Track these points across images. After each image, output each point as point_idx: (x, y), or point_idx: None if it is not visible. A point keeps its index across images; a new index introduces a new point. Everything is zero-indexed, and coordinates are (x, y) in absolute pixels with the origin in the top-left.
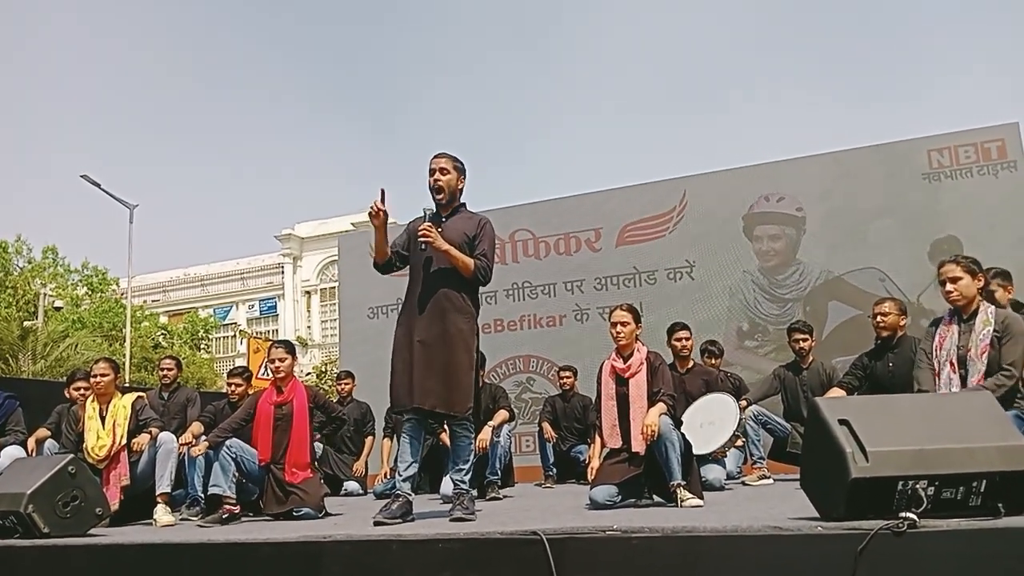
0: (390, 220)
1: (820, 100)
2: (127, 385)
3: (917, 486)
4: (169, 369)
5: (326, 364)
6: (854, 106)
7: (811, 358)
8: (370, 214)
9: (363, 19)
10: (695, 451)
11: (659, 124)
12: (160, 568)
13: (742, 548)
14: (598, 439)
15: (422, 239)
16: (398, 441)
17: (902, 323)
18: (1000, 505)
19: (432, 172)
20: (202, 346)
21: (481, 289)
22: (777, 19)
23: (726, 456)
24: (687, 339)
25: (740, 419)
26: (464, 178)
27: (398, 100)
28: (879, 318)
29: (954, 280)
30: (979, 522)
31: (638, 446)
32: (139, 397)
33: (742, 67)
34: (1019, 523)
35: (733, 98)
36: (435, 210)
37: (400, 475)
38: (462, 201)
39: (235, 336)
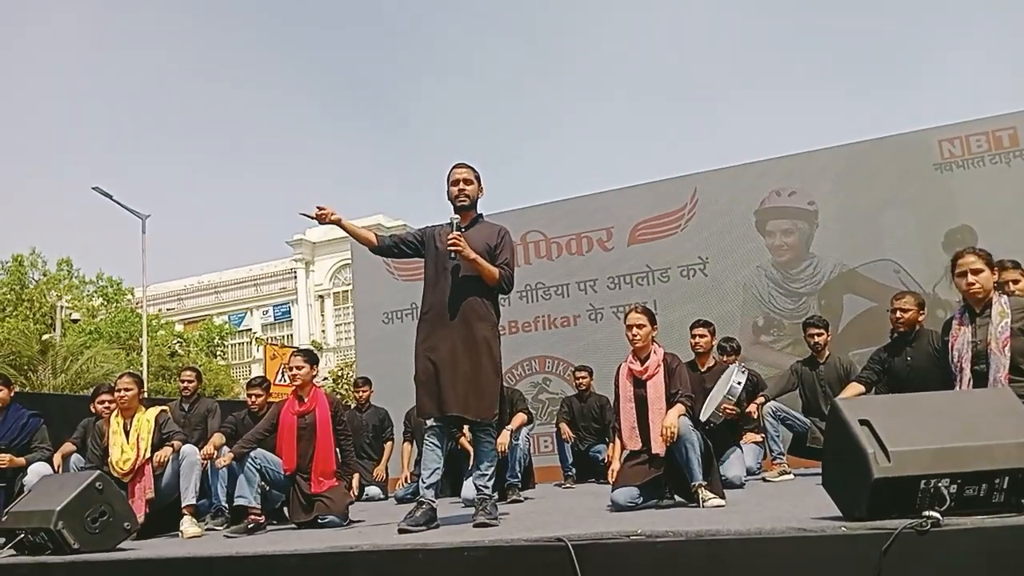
0: (398, 222)
1: (829, 94)
2: (148, 397)
3: (940, 484)
4: (190, 381)
5: (342, 368)
6: (862, 99)
7: (827, 352)
8: (319, 219)
9: (370, 23)
10: (701, 417)
11: (668, 120)
12: None
13: (766, 549)
14: (617, 441)
15: (451, 248)
16: (418, 445)
17: (920, 317)
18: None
19: (456, 183)
20: (218, 353)
21: None
22: (785, 13)
23: (721, 418)
24: (702, 336)
25: (741, 376)
26: (482, 188)
27: (407, 103)
28: (899, 314)
29: (976, 272)
30: (1003, 519)
31: (658, 448)
32: (162, 411)
33: (750, 62)
34: None
35: (741, 93)
36: (460, 219)
37: (424, 482)
38: (479, 211)
39: (251, 342)
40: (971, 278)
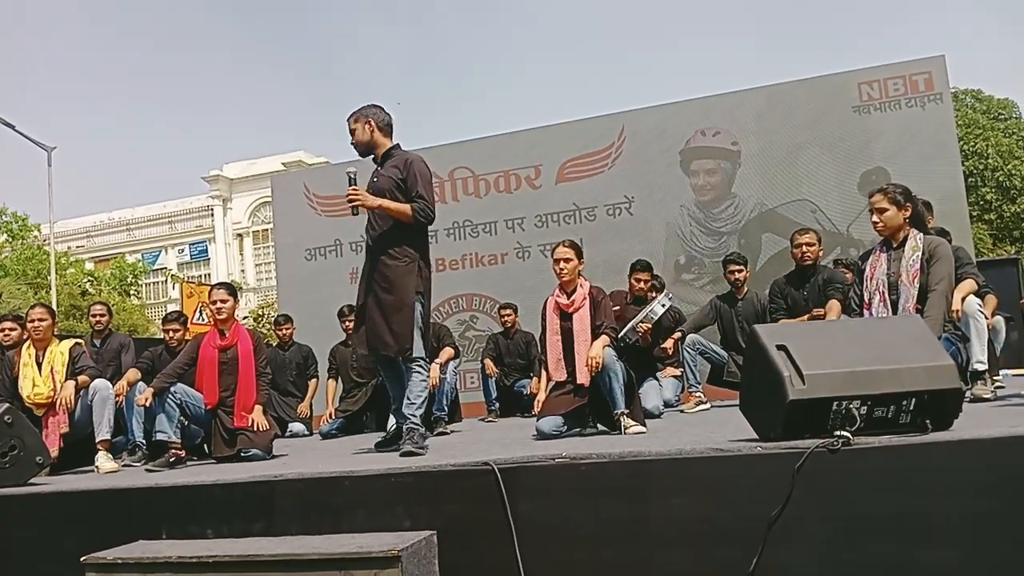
0: (320, 159)
1: (750, 43)
2: (59, 334)
3: (851, 406)
4: (101, 315)
5: (263, 308)
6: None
7: (745, 289)
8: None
9: None
10: (620, 335)
11: (598, 61)
12: (110, 514)
13: (686, 469)
14: (544, 373)
15: (351, 203)
16: (342, 382)
17: (820, 253)
18: (928, 421)
19: (351, 133)
20: (132, 292)
21: None
22: None
23: (635, 337)
24: (646, 281)
25: (666, 301)
26: (374, 124)
27: (329, 40)
28: (805, 248)
29: (880, 211)
30: (908, 438)
31: (583, 378)
32: (77, 343)
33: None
34: (944, 438)
35: (670, 36)
36: (356, 171)
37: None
38: (394, 143)
39: (166, 281)
40: (875, 217)
